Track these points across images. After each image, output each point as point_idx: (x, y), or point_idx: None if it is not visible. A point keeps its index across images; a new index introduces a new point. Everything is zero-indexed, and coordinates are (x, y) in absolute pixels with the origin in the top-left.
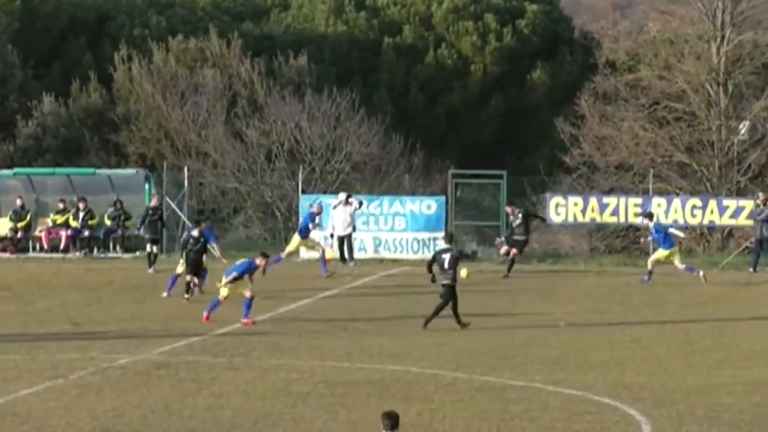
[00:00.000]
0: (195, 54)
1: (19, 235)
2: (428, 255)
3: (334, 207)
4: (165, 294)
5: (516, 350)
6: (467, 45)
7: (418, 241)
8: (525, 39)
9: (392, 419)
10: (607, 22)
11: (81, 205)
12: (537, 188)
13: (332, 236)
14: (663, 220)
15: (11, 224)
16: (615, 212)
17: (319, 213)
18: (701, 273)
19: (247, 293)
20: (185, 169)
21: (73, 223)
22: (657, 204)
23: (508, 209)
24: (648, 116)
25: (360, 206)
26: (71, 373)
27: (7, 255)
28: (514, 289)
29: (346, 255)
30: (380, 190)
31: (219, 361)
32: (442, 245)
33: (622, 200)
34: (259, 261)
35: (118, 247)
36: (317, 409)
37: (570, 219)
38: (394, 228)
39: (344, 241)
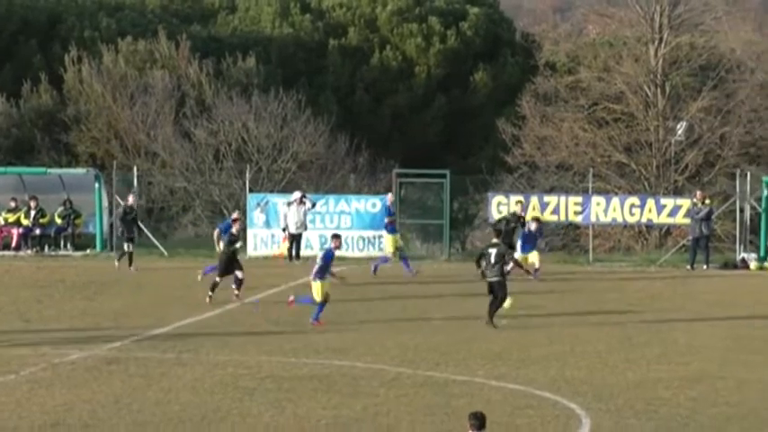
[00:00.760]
0: (144, 56)
1: None
2: (374, 253)
3: (288, 205)
4: (199, 278)
5: (459, 346)
6: (411, 47)
7: (363, 239)
8: (468, 41)
9: (479, 420)
10: (547, 25)
11: (32, 204)
12: (479, 187)
13: (284, 230)
14: (602, 219)
15: None
16: (555, 211)
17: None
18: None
19: (318, 297)
20: (135, 169)
21: (24, 222)
22: (597, 203)
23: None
24: (588, 117)
25: (313, 206)
26: (22, 369)
27: None
28: (460, 287)
29: (294, 253)
30: (326, 189)
31: (168, 357)
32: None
33: (562, 198)
34: (334, 244)
35: (68, 245)
36: (264, 403)
37: None
38: (340, 226)
39: (296, 240)
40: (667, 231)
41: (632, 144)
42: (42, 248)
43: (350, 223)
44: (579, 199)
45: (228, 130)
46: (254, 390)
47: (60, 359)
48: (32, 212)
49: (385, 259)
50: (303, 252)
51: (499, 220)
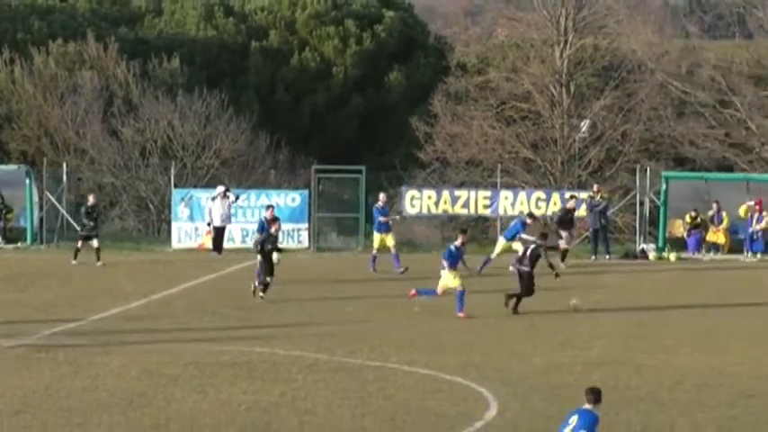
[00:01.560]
0: (74, 57)
1: None
2: (293, 245)
3: (213, 199)
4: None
5: (374, 333)
6: (329, 49)
7: (283, 232)
8: (383, 43)
9: (595, 394)
10: (459, 28)
11: None
12: (394, 182)
13: (209, 224)
14: (510, 212)
15: None
16: (466, 205)
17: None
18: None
19: (459, 287)
20: (64, 165)
21: None
22: (505, 197)
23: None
24: (496, 115)
25: (236, 200)
26: None
27: None
28: (378, 276)
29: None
30: (248, 184)
31: (95, 345)
32: None
33: (472, 193)
34: (459, 241)
35: (0, 239)
36: (187, 389)
37: (425, 210)
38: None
39: (220, 233)
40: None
41: (538, 141)
42: None
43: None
44: (488, 193)
45: (154, 128)
46: (178, 376)
47: None
48: None
49: (374, 257)
50: (225, 245)
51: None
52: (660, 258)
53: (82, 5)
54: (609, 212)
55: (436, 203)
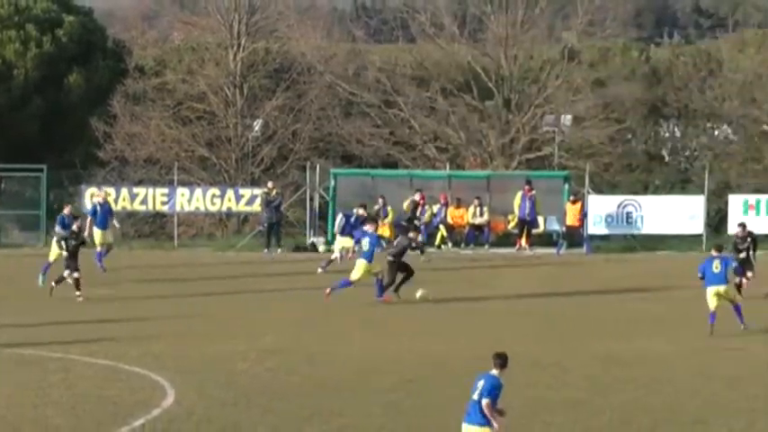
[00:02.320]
0: None
1: None
2: None
3: None
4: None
5: (55, 327)
6: (10, 51)
7: None
8: (63, 46)
9: (502, 359)
10: (137, 32)
11: None
12: (74, 181)
13: None
14: (187, 208)
15: None
16: (144, 201)
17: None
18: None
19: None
20: None
21: None
22: (182, 194)
23: None
24: (174, 115)
25: None
26: None
27: None
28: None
29: None
30: None
31: None
32: None
33: (150, 190)
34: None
35: None
36: None
37: None
38: None
39: None
40: (245, 219)
41: (214, 140)
42: None
43: None
44: (165, 190)
45: None
46: None
47: None
48: None
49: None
50: None
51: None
52: (329, 251)
53: None
54: (282, 207)
55: (116, 200)
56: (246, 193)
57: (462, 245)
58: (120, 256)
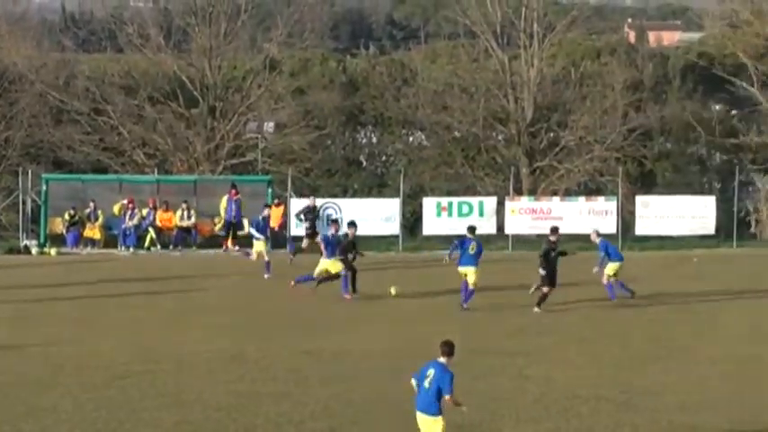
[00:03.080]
0: None
1: None
2: None
3: None
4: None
5: None
6: None
7: None
8: None
9: (449, 347)
10: None
11: None
12: None
13: None
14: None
15: None
16: None
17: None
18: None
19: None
20: None
21: None
22: None
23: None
24: None
25: None
26: None
27: None
28: None
29: None
30: None
31: None
32: None
33: None
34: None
35: None
36: None
37: None
38: None
39: None
40: None
41: None
42: None
43: None
44: None
45: None
46: None
47: None
48: None
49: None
50: None
51: None
52: (42, 253)
53: None
54: None
55: None
56: None
57: (171, 247)
58: None
